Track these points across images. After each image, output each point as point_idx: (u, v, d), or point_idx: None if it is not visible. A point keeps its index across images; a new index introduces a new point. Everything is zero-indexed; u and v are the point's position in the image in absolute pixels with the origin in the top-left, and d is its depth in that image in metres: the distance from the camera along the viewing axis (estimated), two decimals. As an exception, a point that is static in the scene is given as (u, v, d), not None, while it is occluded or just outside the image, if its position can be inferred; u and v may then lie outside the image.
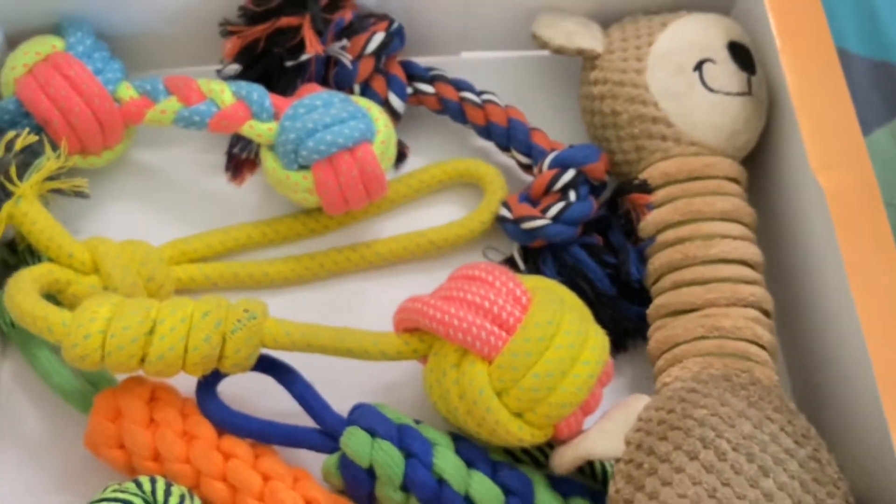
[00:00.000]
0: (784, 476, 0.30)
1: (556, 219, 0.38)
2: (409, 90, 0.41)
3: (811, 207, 0.36)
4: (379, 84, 0.40)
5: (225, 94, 0.38)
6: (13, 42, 0.39)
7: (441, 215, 0.41)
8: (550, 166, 0.39)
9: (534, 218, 0.38)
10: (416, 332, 0.35)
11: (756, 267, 0.37)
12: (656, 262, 0.37)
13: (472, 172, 0.41)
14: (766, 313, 0.36)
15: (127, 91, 0.38)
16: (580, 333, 0.33)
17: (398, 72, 0.40)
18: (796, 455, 0.30)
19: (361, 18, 0.39)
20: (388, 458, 0.33)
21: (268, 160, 0.38)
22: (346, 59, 0.39)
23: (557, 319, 0.32)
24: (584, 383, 0.32)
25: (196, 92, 0.38)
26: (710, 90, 0.38)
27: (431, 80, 0.41)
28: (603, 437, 0.33)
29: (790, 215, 0.38)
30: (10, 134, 0.36)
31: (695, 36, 0.38)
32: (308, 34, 0.38)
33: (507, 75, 0.43)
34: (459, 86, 0.41)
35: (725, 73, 0.38)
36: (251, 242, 0.40)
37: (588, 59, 0.41)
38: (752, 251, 0.37)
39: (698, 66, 0.38)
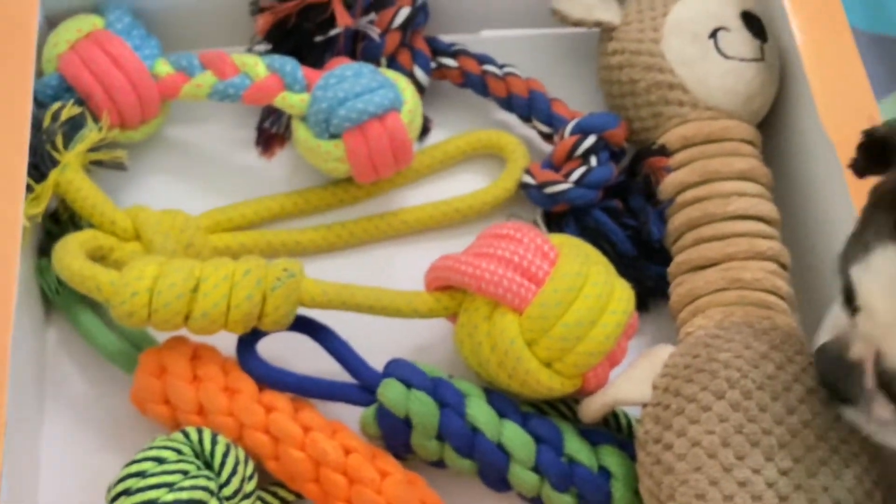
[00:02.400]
0: (808, 414, 0.31)
1: (578, 183, 0.39)
2: (433, 64, 0.42)
3: (824, 166, 0.37)
4: (405, 58, 0.42)
5: (259, 67, 0.39)
6: (53, 22, 0.41)
7: (465, 185, 0.42)
8: (572, 133, 0.40)
9: (557, 182, 0.39)
10: (448, 290, 0.36)
11: (772, 223, 0.38)
12: (676, 221, 0.39)
13: (495, 143, 0.43)
14: (783, 266, 0.37)
15: (164, 67, 0.40)
16: (607, 284, 0.34)
17: (423, 46, 0.42)
18: (819, 394, 0.32)
19: None
20: (423, 408, 0.34)
21: (300, 130, 0.39)
22: (374, 32, 0.40)
23: (585, 271, 0.34)
24: (612, 332, 0.34)
25: (230, 66, 0.39)
26: (725, 57, 0.39)
27: (454, 55, 0.42)
28: (630, 384, 0.34)
29: (804, 175, 0.39)
30: (56, 105, 0.37)
31: (709, 5, 0.40)
32: (338, 8, 0.40)
33: (526, 53, 0.45)
34: (482, 60, 0.42)
35: (739, 40, 0.39)
36: (284, 212, 0.41)
37: (606, 31, 0.42)
38: (768, 208, 0.38)
39: (713, 34, 0.39)
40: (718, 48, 0.39)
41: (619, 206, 0.40)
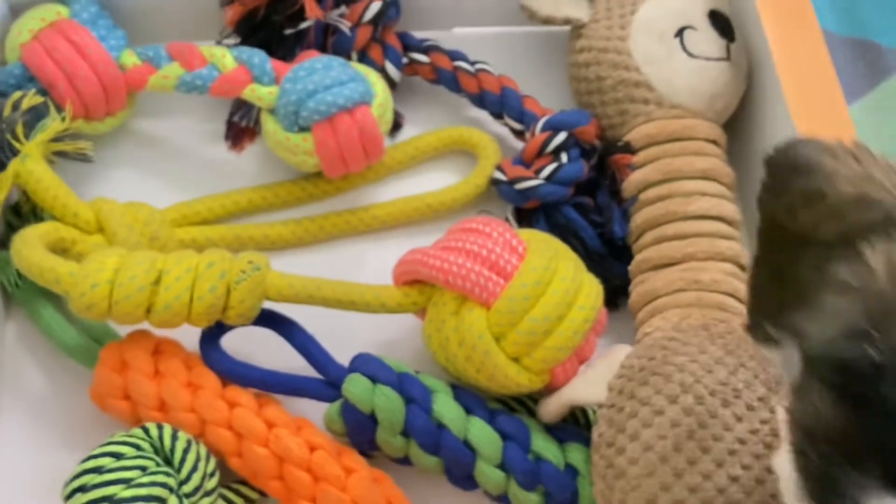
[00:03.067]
0: (756, 422, 0.31)
1: (549, 179, 0.39)
2: (405, 60, 0.42)
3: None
4: (376, 52, 0.41)
5: (226, 58, 0.39)
6: (17, 11, 0.40)
7: (436, 182, 0.42)
8: (543, 129, 0.40)
9: (528, 179, 0.39)
10: (416, 285, 0.36)
11: (733, 224, 0.38)
12: (638, 219, 0.39)
13: (466, 140, 0.43)
14: (742, 268, 0.37)
15: (130, 58, 0.39)
16: (575, 280, 0.34)
17: (394, 42, 0.42)
18: (768, 402, 0.32)
19: None
20: (389, 403, 0.34)
21: (268, 123, 0.39)
22: (345, 26, 0.40)
23: (553, 266, 0.34)
24: (580, 327, 0.33)
25: (198, 57, 0.39)
26: (691, 55, 0.40)
27: (426, 51, 0.42)
28: (586, 385, 0.34)
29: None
30: (17, 94, 0.37)
31: (676, 4, 0.40)
32: (308, 1, 0.39)
33: (497, 50, 0.45)
34: (454, 56, 0.42)
35: (705, 39, 0.40)
36: (252, 206, 0.41)
37: (575, 29, 0.42)
38: (729, 209, 0.38)
39: (679, 33, 0.40)
40: (684, 47, 0.40)
41: (590, 202, 0.40)
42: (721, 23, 0.40)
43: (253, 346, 0.37)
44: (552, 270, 0.34)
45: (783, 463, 0.24)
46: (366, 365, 0.35)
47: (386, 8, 0.41)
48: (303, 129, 0.38)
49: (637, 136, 0.40)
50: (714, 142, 0.40)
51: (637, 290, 0.38)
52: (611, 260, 0.39)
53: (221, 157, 0.43)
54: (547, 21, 0.42)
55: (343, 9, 0.40)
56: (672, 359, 0.33)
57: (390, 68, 0.42)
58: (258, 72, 0.39)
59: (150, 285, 0.33)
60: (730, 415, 0.31)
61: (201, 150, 0.43)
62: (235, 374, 0.35)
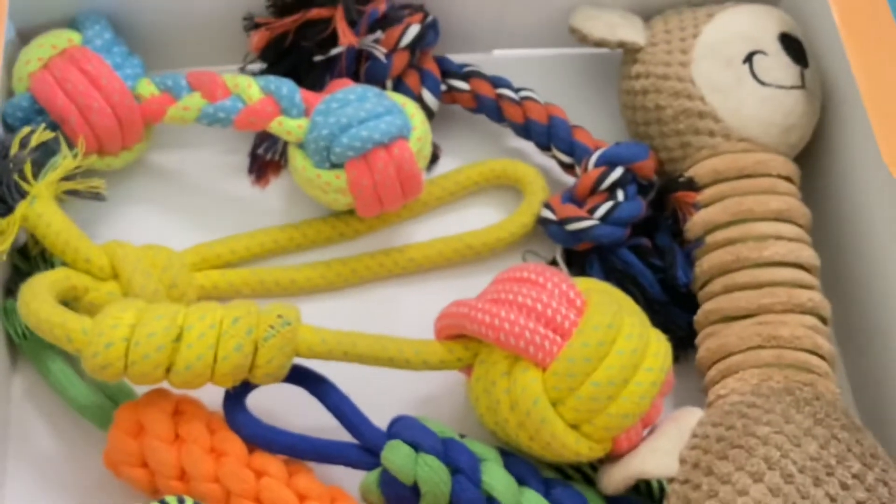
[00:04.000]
0: (851, 502, 0.28)
1: (604, 219, 0.36)
2: (443, 87, 0.39)
3: (877, 206, 0.34)
4: (412, 79, 0.38)
5: (252, 88, 0.36)
6: (25, 37, 0.37)
7: (477, 219, 0.39)
8: (597, 164, 0.37)
9: (580, 219, 0.36)
10: (461, 340, 0.32)
11: (812, 271, 0.35)
12: (705, 264, 0.35)
13: (510, 173, 0.39)
14: (823, 321, 0.34)
15: (147, 87, 0.36)
16: (642, 338, 0.31)
17: (432, 67, 0.39)
18: (864, 479, 0.28)
19: (395, 9, 0.38)
20: (433, 474, 0.30)
21: (297, 159, 0.36)
22: (380, 52, 0.37)
23: (617, 323, 0.30)
24: (647, 392, 0.30)
25: (221, 87, 0.36)
26: (762, 83, 0.36)
27: (466, 77, 0.39)
28: (655, 455, 0.31)
29: (850, 216, 0.36)
30: (25, 130, 0.34)
31: (744, 27, 0.37)
32: (341, 25, 0.36)
33: (540, 74, 0.42)
34: (496, 82, 0.39)
35: (778, 65, 0.36)
36: (277, 247, 0.38)
37: (629, 53, 0.39)
38: (808, 254, 0.35)
39: (748, 59, 0.36)
40: (754, 74, 0.36)
41: (648, 245, 0.36)
42: (794, 47, 0.37)
43: (282, 405, 0.33)
44: (616, 328, 0.30)
45: None
46: (407, 430, 0.31)
47: (425, 31, 0.38)
48: (335, 166, 0.35)
49: (702, 171, 0.36)
50: (788, 178, 0.36)
51: (706, 345, 0.34)
52: (673, 308, 0.36)
53: (245, 192, 0.39)
54: (600, 44, 0.39)
55: (378, 34, 0.37)
56: (754, 429, 0.29)
57: (428, 97, 0.38)
58: (286, 103, 0.36)
59: (170, 343, 0.30)
60: (822, 495, 0.28)
61: (223, 186, 0.40)
62: (262, 438, 0.32)
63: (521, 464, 0.32)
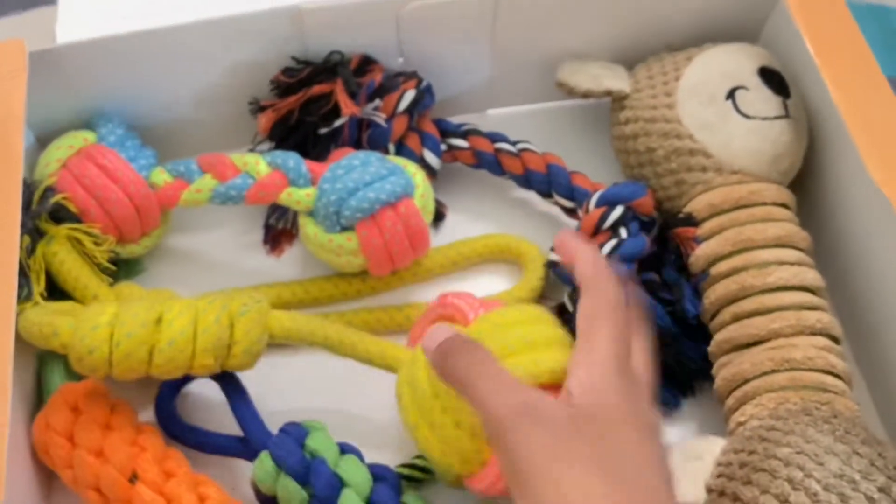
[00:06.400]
0: None
1: (610, 257, 0.37)
2: (444, 146, 0.41)
3: (872, 223, 0.35)
4: (413, 142, 0.40)
5: (260, 165, 0.38)
6: (44, 142, 0.39)
7: (483, 285, 0.39)
8: (598, 205, 0.38)
9: None
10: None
11: (818, 292, 0.35)
12: (712, 295, 0.36)
13: (507, 249, 0.40)
14: (835, 339, 0.34)
15: (161, 175, 0.38)
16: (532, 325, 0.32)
17: (431, 129, 0.40)
18: (890, 491, 0.28)
19: (391, 78, 0.40)
20: (289, 496, 0.32)
21: (308, 226, 0.37)
22: (380, 118, 0.39)
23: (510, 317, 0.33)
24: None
25: (230, 167, 0.38)
26: (747, 117, 0.37)
27: (465, 135, 0.41)
28: (682, 485, 0.31)
29: (848, 234, 0.37)
30: (44, 185, 0.36)
31: (723, 65, 0.39)
32: (342, 97, 0.38)
33: (535, 127, 0.43)
34: (493, 138, 0.41)
35: (759, 98, 0.38)
36: (280, 302, 0.39)
37: (617, 100, 0.41)
38: (811, 276, 0.35)
39: (730, 95, 0.38)
40: (738, 108, 0.38)
41: (657, 279, 0.37)
42: (774, 79, 0.38)
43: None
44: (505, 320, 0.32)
45: None
46: (280, 446, 0.32)
47: (421, 96, 0.40)
48: (345, 229, 0.37)
49: (699, 205, 0.37)
50: (784, 205, 0.37)
51: (722, 375, 0.34)
52: (686, 341, 0.36)
53: (261, 265, 0.41)
54: (586, 95, 0.40)
55: (377, 101, 0.39)
56: (775, 451, 0.29)
57: (429, 156, 0.40)
58: (293, 175, 0.37)
59: (152, 323, 0.31)
60: (851, 511, 0.28)
61: (240, 261, 0.41)
62: (171, 432, 0.34)
63: (390, 495, 0.32)
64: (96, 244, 0.36)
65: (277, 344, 0.37)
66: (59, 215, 0.36)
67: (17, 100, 0.35)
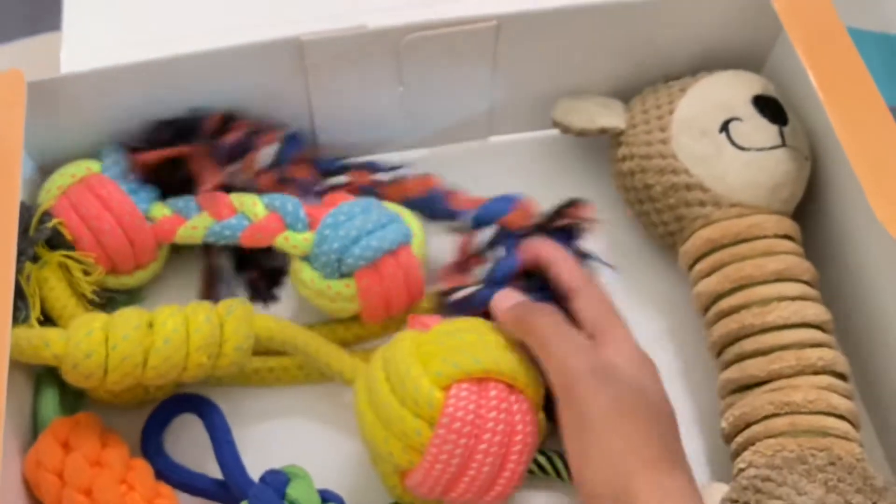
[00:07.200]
0: None
1: (486, 282, 0.35)
2: (327, 185, 0.39)
3: (877, 256, 0.34)
4: (291, 192, 0.38)
5: (257, 206, 0.37)
6: (46, 172, 0.39)
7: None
8: (474, 226, 0.37)
9: (461, 287, 0.36)
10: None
11: (822, 327, 0.35)
12: (714, 334, 0.36)
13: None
14: (840, 376, 0.34)
15: (160, 209, 0.38)
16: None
17: (305, 174, 0.39)
18: None
19: (249, 136, 0.38)
20: None
21: (304, 271, 0.37)
22: (240, 179, 0.38)
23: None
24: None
25: (227, 206, 0.38)
26: (741, 148, 0.37)
27: (342, 170, 0.39)
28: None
29: (855, 267, 0.36)
30: (41, 210, 0.36)
31: (716, 97, 0.38)
32: (200, 165, 0.37)
33: (536, 155, 0.43)
34: (372, 168, 0.39)
35: (754, 128, 0.37)
36: (259, 347, 0.37)
37: (614, 137, 0.40)
38: (813, 311, 0.35)
39: (724, 127, 0.37)
40: (732, 141, 0.37)
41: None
42: (769, 107, 0.38)
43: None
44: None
45: None
46: (258, 498, 0.32)
47: (285, 146, 0.38)
48: (344, 276, 0.36)
49: (698, 241, 0.37)
50: (786, 236, 0.36)
51: (726, 416, 0.34)
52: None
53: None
54: (582, 134, 0.40)
55: (238, 164, 0.38)
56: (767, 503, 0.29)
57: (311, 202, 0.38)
58: (291, 219, 0.37)
59: (145, 325, 0.32)
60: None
61: (239, 293, 0.40)
62: (161, 470, 0.34)
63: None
64: (86, 273, 0.36)
65: (265, 382, 0.37)
66: (54, 241, 0.36)
67: (16, 130, 0.35)
